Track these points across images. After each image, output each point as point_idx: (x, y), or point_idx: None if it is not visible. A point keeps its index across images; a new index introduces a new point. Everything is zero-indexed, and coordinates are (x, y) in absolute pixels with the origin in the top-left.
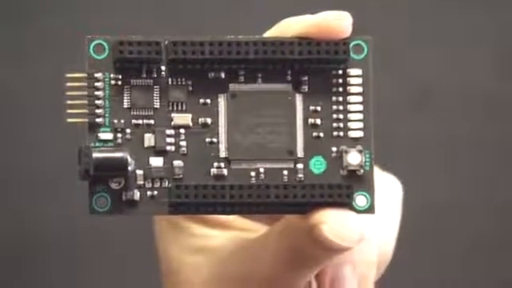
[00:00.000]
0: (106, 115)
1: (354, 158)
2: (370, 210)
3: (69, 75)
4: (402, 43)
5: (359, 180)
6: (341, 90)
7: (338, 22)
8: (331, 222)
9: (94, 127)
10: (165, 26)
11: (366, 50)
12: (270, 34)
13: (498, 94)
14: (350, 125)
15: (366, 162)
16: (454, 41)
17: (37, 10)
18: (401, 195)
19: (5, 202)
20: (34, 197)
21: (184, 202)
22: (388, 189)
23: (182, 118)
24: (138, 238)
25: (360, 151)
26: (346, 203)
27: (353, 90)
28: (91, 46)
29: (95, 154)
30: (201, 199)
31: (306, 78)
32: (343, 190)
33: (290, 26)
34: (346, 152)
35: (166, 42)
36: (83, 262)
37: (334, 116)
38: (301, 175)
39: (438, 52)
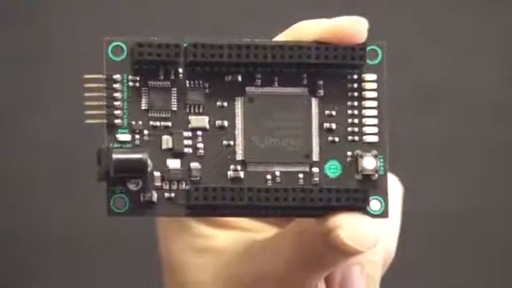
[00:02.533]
0: (124, 117)
1: (369, 162)
2: (383, 214)
3: (87, 76)
4: (408, 45)
5: (373, 185)
6: (356, 94)
7: (354, 27)
8: (348, 227)
9: (112, 128)
10: (164, 27)
11: (380, 54)
12: (284, 36)
13: (505, 97)
14: (365, 129)
15: (380, 166)
16: (461, 43)
17: (38, 10)
18: (401, 193)
19: (5, 201)
20: (34, 197)
21: (202, 205)
22: (389, 187)
23: (200, 121)
24: (142, 238)
25: (375, 156)
26: (361, 207)
27: (368, 94)
28: (110, 48)
29: (115, 155)
30: (219, 201)
31: (321, 82)
32: (360, 194)
33: (305, 30)
34: (362, 156)
35: (186, 45)
36: (85, 263)
37: (349, 121)
38: (316, 179)
39: (445, 54)
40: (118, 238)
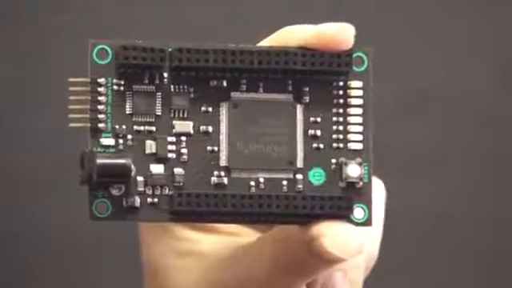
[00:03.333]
0: (108, 121)
1: (353, 170)
2: (367, 222)
3: (71, 79)
4: (398, 50)
5: (357, 192)
6: (341, 101)
7: (341, 34)
8: (331, 235)
9: (95, 132)
10: (162, 28)
11: (366, 62)
12: (269, 40)
13: (495, 102)
14: (350, 137)
15: (364, 174)
16: (452, 47)
17: (37, 9)
18: (384, 196)
19: (5, 201)
20: (34, 197)
21: (185, 210)
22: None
23: (184, 126)
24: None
25: (360, 163)
26: (345, 215)
27: (353, 102)
28: (94, 51)
29: (99, 160)
30: (203, 208)
31: (307, 89)
32: (343, 202)
33: (290, 35)
34: (346, 164)
35: (170, 49)
36: (85, 263)
37: (334, 128)
38: (300, 186)
39: (436, 58)
40: (119, 239)
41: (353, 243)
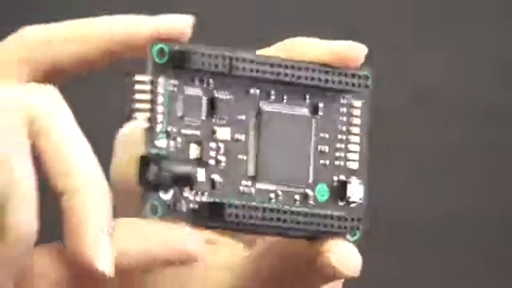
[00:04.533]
0: (164, 121)
1: (353, 189)
2: (357, 241)
3: (137, 78)
4: (404, 48)
5: (353, 212)
6: (345, 119)
7: (353, 53)
8: (338, 253)
9: (152, 133)
10: None
11: (370, 81)
12: (275, 49)
13: (499, 100)
14: (349, 156)
15: (362, 193)
16: (457, 46)
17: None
18: None
19: None
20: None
21: (223, 219)
22: None
23: (224, 132)
24: None
25: (359, 183)
26: (346, 234)
27: (355, 121)
28: (155, 51)
29: (171, 166)
30: (247, 220)
31: (321, 105)
32: (350, 222)
33: (300, 48)
34: (346, 183)
35: (231, 57)
36: None
37: (338, 145)
38: (311, 202)
39: (440, 57)
40: None
41: (357, 261)
